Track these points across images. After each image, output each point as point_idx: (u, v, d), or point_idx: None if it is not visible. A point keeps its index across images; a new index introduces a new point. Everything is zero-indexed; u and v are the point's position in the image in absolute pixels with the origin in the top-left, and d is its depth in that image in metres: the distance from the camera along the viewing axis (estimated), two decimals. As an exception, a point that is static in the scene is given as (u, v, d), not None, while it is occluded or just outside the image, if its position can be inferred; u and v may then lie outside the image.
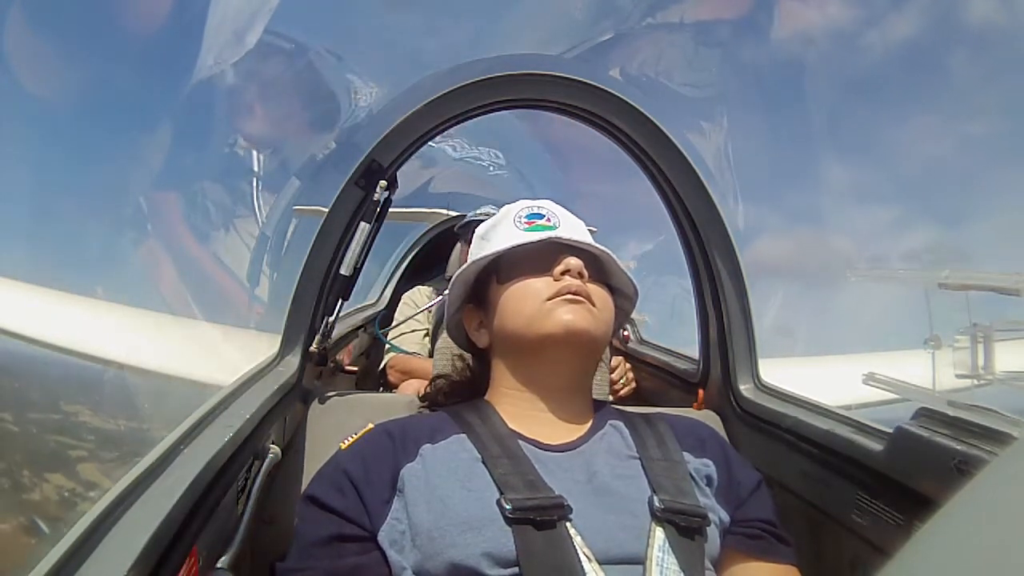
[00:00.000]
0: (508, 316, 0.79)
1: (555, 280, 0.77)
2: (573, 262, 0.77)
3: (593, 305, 0.77)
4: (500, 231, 0.85)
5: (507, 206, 0.89)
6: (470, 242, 0.94)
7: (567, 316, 0.74)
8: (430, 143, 1.25)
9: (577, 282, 0.76)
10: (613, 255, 0.81)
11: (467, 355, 0.93)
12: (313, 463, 1.01)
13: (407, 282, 2.99)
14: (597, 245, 0.81)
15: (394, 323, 2.01)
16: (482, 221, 0.94)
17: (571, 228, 0.83)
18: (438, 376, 0.95)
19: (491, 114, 1.25)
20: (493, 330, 0.83)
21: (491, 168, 3.50)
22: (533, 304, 0.76)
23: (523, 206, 0.87)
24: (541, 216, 0.84)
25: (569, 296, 0.75)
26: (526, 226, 0.83)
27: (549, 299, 0.76)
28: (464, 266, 0.85)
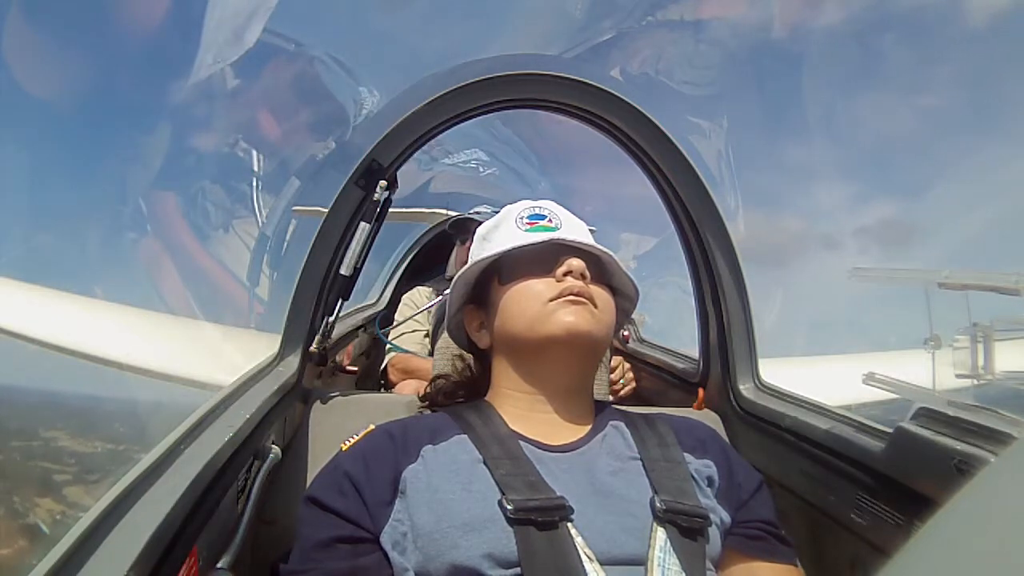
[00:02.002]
0: (510, 317, 0.79)
1: (557, 281, 0.77)
2: (575, 263, 0.77)
3: (595, 306, 0.77)
4: (502, 232, 0.85)
5: (508, 206, 0.88)
6: (464, 241, 0.93)
7: (569, 318, 0.74)
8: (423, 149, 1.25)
9: (579, 283, 0.76)
10: (615, 256, 0.81)
11: (467, 355, 0.93)
12: (313, 463, 1.01)
13: (407, 282, 2.98)
14: (599, 246, 0.81)
15: (394, 323, 2.01)
16: (473, 219, 0.93)
17: (573, 229, 0.83)
18: (438, 376, 0.95)
19: (489, 114, 1.25)
20: (494, 331, 0.82)
21: (481, 169, 3.51)
22: (535, 305, 0.76)
23: (525, 207, 0.87)
24: (543, 217, 0.84)
25: (571, 297, 0.75)
26: (528, 227, 0.83)
27: (551, 300, 0.76)
28: (466, 267, 0.85)
